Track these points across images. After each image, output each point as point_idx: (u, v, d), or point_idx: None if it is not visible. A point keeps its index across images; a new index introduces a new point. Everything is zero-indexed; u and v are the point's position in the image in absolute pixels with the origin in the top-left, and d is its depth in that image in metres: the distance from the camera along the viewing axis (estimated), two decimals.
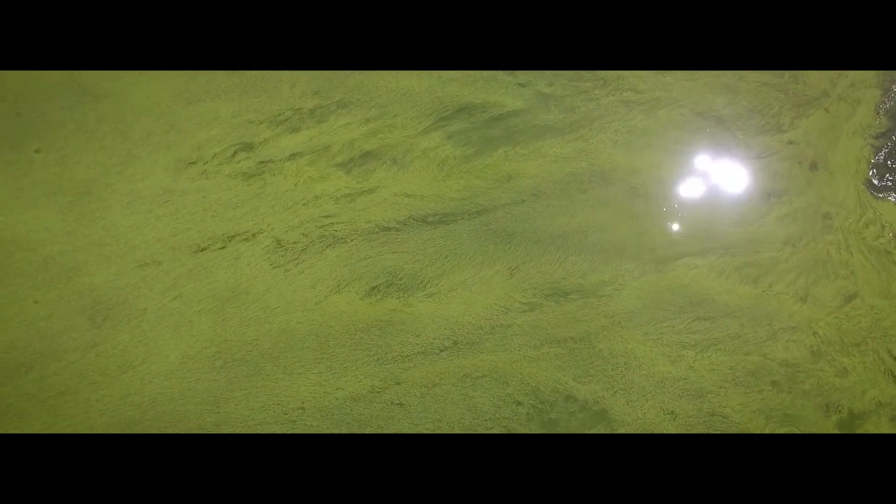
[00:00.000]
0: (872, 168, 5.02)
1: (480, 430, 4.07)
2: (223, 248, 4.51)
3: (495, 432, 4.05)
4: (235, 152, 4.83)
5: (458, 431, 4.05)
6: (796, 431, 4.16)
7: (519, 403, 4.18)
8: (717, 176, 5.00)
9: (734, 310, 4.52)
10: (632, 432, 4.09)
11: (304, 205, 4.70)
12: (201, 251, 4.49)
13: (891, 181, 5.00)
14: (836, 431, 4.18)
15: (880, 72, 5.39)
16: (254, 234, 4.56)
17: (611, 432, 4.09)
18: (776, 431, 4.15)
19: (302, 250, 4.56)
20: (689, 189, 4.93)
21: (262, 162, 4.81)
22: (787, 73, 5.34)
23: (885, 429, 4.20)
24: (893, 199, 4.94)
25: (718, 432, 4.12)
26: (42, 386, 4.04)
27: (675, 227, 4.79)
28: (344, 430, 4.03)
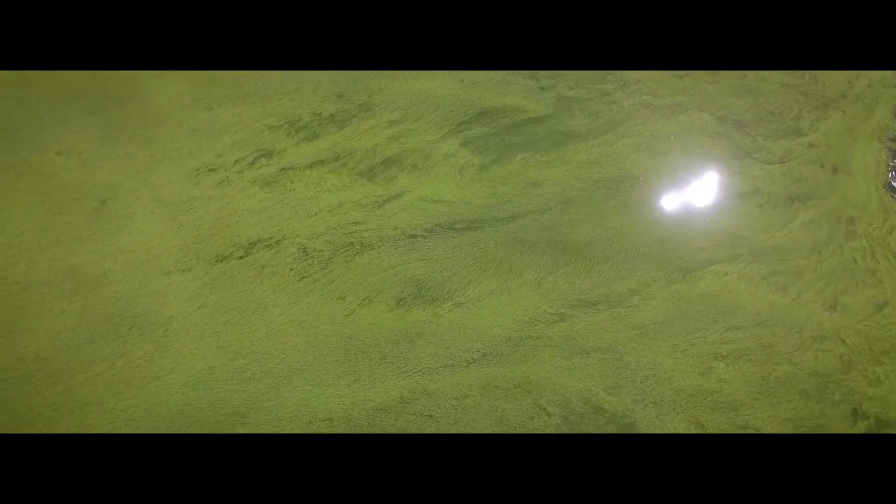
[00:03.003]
0: (891, 170, 5.00)
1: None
2: (246, 256, 4.48)
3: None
4: (256, 158, 4.80)
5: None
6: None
7: (550, 415, 4.17)
8: (740, 181, 4.96)
9: (765, 319, 4.50)
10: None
11: (329, 211, 4.68)
12: (224, 259, 4.46)
13: None
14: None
15: None
16: (277, 242, 4.53)
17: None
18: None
19: (329, 259, 4.54)
20: (713, 195, 4.90)
21: (284, 168, 4.77)
22: (807, 74, 5.30)
23: None
24: None
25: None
26: (70, 397, 4.03)
27: (701, 233, 4.77)
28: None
